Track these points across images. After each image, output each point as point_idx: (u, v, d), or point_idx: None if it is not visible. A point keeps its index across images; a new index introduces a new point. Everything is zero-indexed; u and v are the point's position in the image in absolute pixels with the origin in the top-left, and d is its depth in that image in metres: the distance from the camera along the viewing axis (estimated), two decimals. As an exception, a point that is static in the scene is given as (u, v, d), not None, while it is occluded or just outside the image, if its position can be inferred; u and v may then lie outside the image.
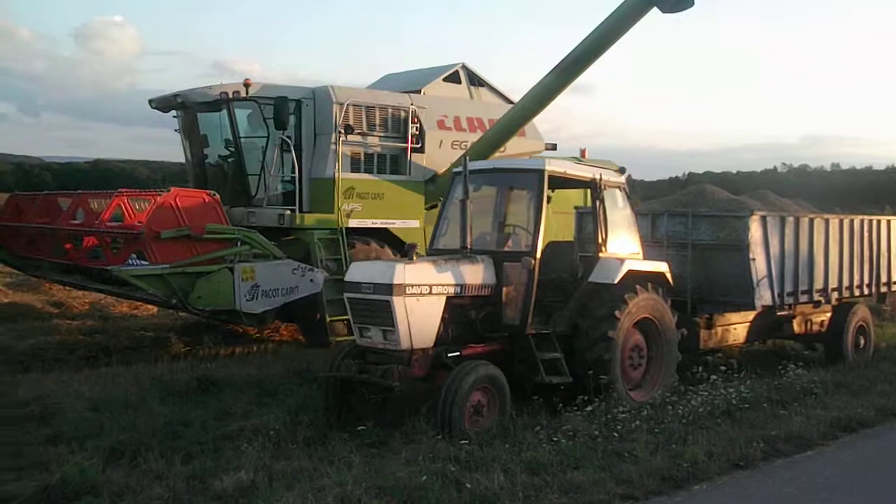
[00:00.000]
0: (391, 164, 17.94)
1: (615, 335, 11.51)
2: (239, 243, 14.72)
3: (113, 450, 9.26)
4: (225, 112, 16.88)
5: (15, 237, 17.35)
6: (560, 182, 12.29)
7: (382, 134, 17.73)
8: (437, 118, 18.62)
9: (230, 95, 16.53)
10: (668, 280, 12.80)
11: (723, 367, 13.01)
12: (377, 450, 9.57)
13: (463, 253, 11.29)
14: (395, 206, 17.82)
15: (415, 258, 10.74)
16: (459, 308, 11.07)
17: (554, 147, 21.09)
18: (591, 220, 12.82)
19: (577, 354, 11.52)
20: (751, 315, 15.14)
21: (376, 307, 10.43)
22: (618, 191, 12.66)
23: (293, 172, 16.85)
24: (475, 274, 11.15)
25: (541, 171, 11.66)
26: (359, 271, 10.96)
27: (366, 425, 10.14)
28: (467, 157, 12.00)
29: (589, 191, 12.54)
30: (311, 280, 15.19)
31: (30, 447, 9.53)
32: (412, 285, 10.36)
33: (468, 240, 11.35)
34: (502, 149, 18.28)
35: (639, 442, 9.72)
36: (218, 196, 14.85)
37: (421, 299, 10.44)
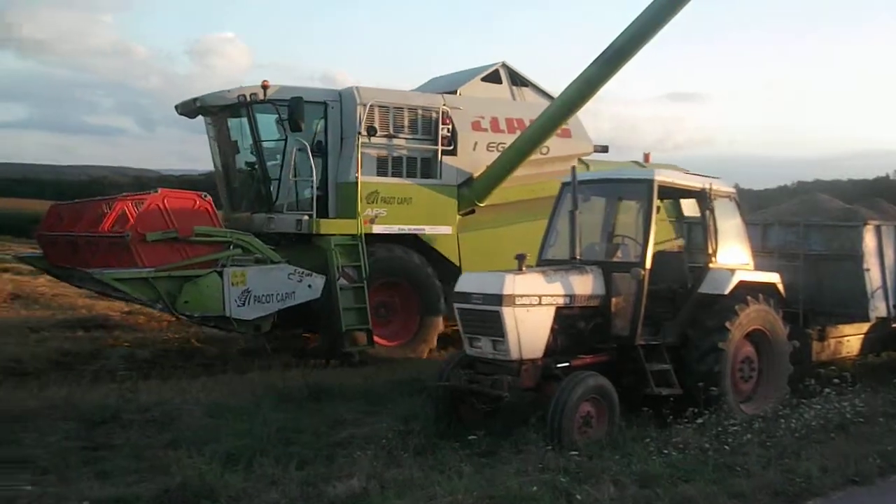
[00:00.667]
0: (421, 167, 17.31)
1: (726, 346, 11.28)
2: (231, 247, 14.45)
3: (229, 455, 9.40)
4: (245, 116, 16.63)
5: (53, 247, 16.80)
6: (669, 192, 12.16)
7: (410, 136, 17.16)
8: (473, 119, 17.83)
9: (248, 98, 16.19)
10: (779, 291, 12.51)
11: (836, 380, 12.64)
12: (487, 459, 9.51)
13: (572, 263, 11.23)
14: (425, 211, 17.12)
15: (524, 269, 10.70)
16: (568, 319, 10.97)
17: (605, 149, 19.99)
18: (700, 230, 12.64)
19: (687, 366, 11.31)
20: (865, 327, 14.69)
21: (486, 317, 10.41)
22: (728, 200, 12.44)
23: (311, 176, 16.29)
24: (584, 284, 11.06)
25: (650, 181, 11.52)
26: (469, 282, 10.96)
27: (476, 435, 10.10)
28: (575, 168, 11.85)
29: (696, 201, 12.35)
30: (310, 286, 14.80)
31: (151, 451, 9.73)
32: (522, 296, 10.32)
33: (577, 250, 11.30)
34: (544, 150, 17.71)
35: (750, 455, 9.52)
36: (210, 198, 14.58)
37: (530, 310, 10.39)
